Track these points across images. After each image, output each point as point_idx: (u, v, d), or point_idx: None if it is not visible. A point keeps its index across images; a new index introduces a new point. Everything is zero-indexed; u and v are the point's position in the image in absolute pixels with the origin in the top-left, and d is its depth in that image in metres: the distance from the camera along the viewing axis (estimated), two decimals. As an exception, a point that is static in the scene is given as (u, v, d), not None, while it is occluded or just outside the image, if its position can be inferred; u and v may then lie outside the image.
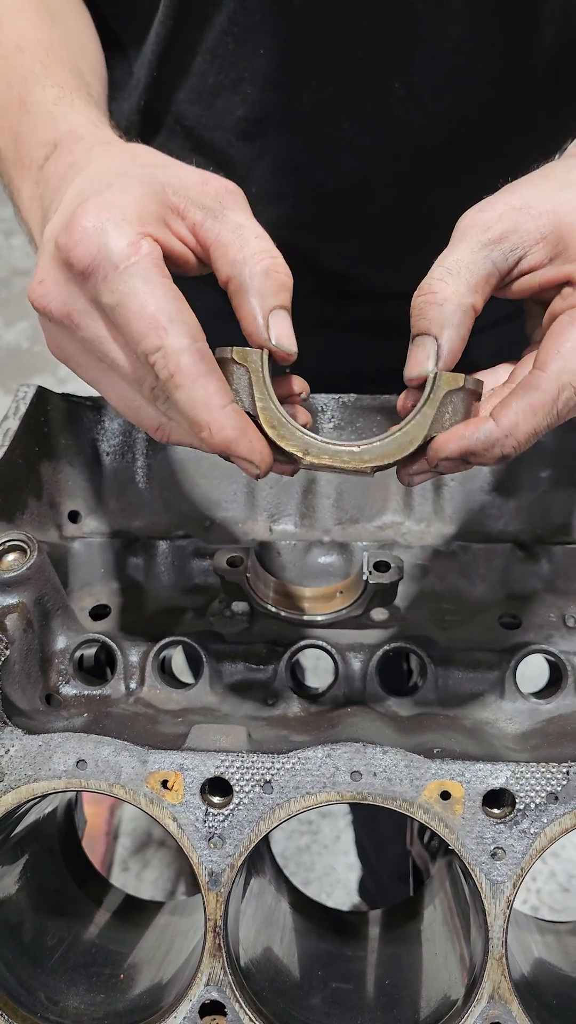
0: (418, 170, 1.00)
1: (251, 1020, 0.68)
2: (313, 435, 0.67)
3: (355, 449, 0.67)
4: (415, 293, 0.67)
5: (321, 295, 1.13)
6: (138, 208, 0.63)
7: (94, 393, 1.01)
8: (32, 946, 0.79)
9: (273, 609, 0.85)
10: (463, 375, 0.67)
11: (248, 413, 0.65)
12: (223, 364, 0.65)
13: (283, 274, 0.65)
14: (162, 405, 0.65)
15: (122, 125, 1.06)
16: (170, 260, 0.65)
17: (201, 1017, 0.69)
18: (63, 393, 0.96)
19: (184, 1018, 0.69)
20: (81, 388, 0.99)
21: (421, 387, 0.67)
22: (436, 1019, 0.71)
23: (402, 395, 0.70)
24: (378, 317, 1.15)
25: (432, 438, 0.66)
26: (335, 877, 2.33)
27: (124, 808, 2.43)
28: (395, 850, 1.81)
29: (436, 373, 0.66)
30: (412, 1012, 0.74)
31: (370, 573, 0.82)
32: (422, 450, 0.68)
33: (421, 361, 0.66)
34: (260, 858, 0.86)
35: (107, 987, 0.79)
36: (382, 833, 1.91)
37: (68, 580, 0.94)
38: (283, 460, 0.68)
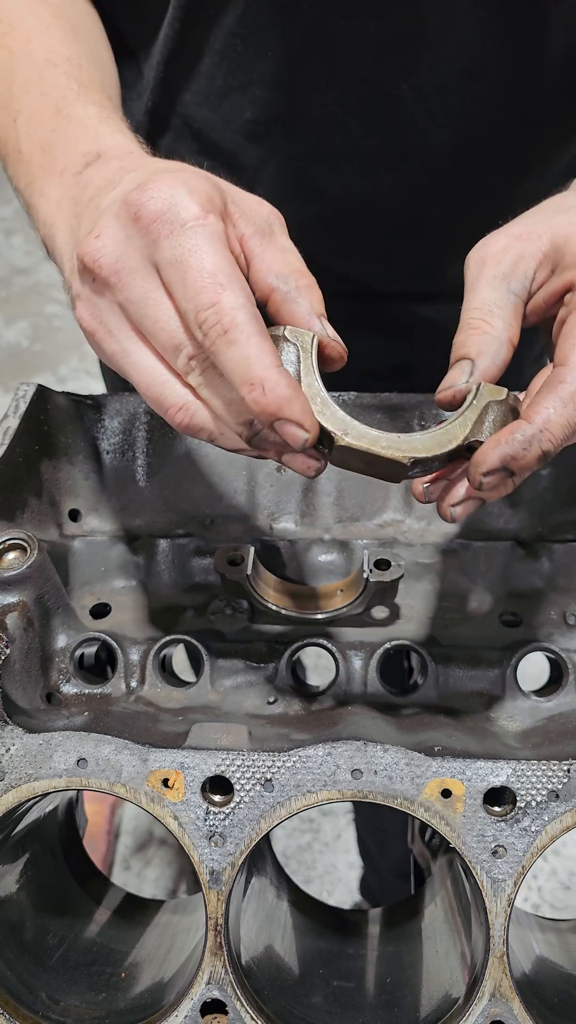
0: (426, 172, 1.01)
1: (252, 1019, 0.68)
2: (354, 419, 0.66)
3: (394, 438, 0.66)
4: (458, 331, 0.69)
5: (328, 294, 1.13)
6: (208, 193, 0.64)
7: (94, 392, 1.01)
8: (33, 945, 0.79)
9: (274, 607, 0.85)
10: (506, 389, 0.67)
11: None
12: (274, 341, 0.64)
13: (320, 292, 0.67)
14: (197, 377, 0.64)
15: (131, 126, 1.07)
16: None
17: (202, 1016, 0.69)
18: (63, 391, 0.96)
19: (185, 1017, 0.69)
20: (81, 387, 0.99)
21: (451, 407, 0.68)
22: (437, 1017, 0.71)
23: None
24: (386, 316, 1.15)
25: (472, 442, 0.66)
26: (336, 875, 2.33)
27: (125, 807, 2.44)
28: (398, 847, 1.81)
29: (480, 383, 0.67)
30: (413, 1010, 0.74)
31: (371, 571, 0.82)
32: (458, 454, 0.67)
33: (455, 378, 0.68)
34: (261, 857, 0.85)
35: (108, 986, 0.79)
36: (385, 830, 1.91)
37: (68, 578, 0.93)
38: (314, 448, 0.67)
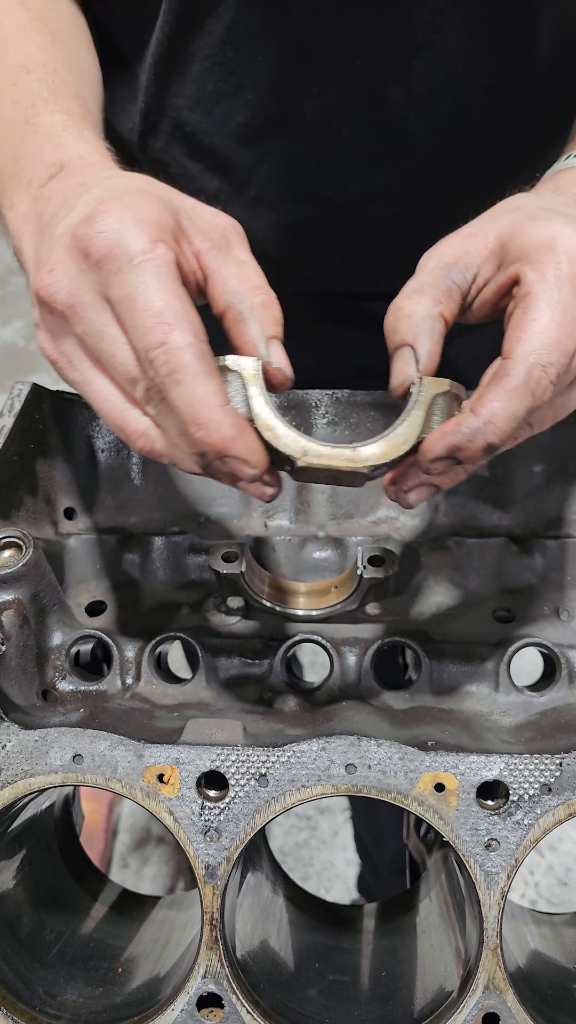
0: (417, 175, 1.01)
1: (248, 1012, 0.69)
2: (308, 438, 0.68)
3: (349, 451, 0.68)
4: (385, 316, 0.70)
5: (321, 293, 1.14)
6: (157, 217, 0.65)
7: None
8: (30, 941, 0.80)
9: (268, 604, 0.86)
10: (448, 380, 0.69)
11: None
12: (220, 371, 0.66)
13: (278, 311, 0.67)
14: (153, 408, 0.65)
15: (126, 131, 1.07)
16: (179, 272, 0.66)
17: (199, 1009, 0.69)
18: (58, 391, 0.96)
19: (182, 1010, 0.70)
20: (76, 386, 0.99)
21: (407, 397, 0.69)
22: (432, 1010, 0.72)
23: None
24: (379, 315, 1.16)
25: (423, 438, 0.68)
26: (334, 872, 2.34)
27: (123, 804, 2.44)
28: (395, 843, 1.81)
29: (420, 378, 0.68)
30: (408, 1004, 0.75)
31: (364, 568, 0.82)
32: (414, 452, 0.69)
33: (403, 369, 0.68)
34: (257, 852, 0.86)
35: (105, 980, 0.79)
36: (382, 826, 1.91)
37: (64, 576, 0.94)
38: (275, 466, 0.69)
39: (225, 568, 0.83)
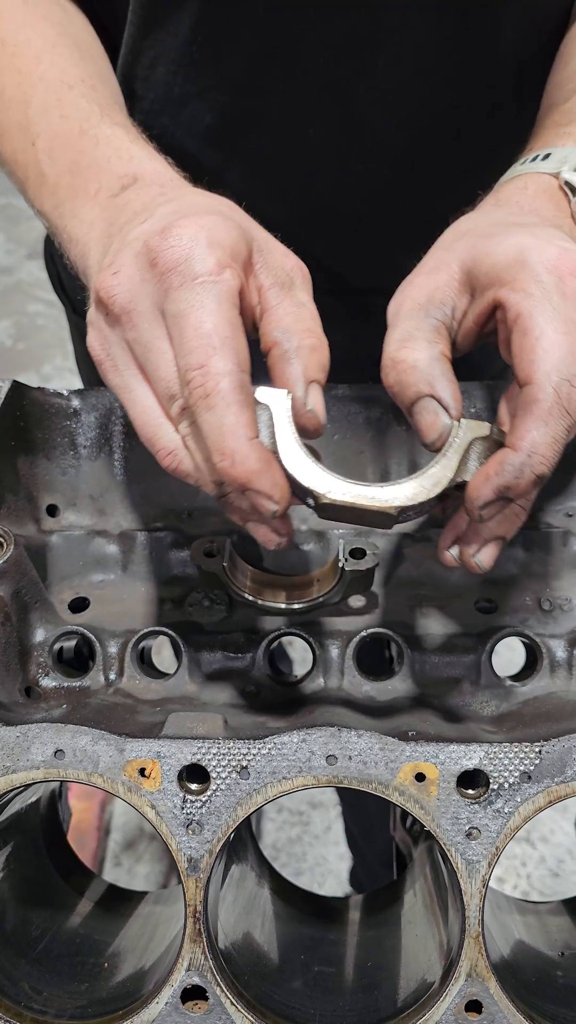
0: (386, 170, 1.01)
1: (232, 1004, 0.69)
2: (335, 475, 0.67)
3: (376, 490, 0.67)
4: (383, 376, 0.69)
5: None
6: (232, 243, 0.65)
7: (70, 387, 1.01)
8: (15, 937, 0.80)
9: (250, 598, 0.86)
10: (489, 424, 0.67)
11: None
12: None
13: (326, 356, 0.67)
14: (185, 428, 0.65)
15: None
16: (241, 303, 0.66)
17: (183, 1002, 0.70)
18: (39, 387, 0.96)
19: (166, 1003, 0.70)
20: (65, 385, 0.99)
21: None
22: (416, 999, 0.72)
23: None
24: (356, 310, 1.16)
25: (460, 483, 0.67)
26: (326, 867, 2.34)
27: (114, 803, 2.44)
28: (384, 836, 1.82)
29: (461, 421, 0.67)
30: (392, 993, 0.75)
31: (346, 560, 0.82)
32: (445, 496, 0.68)
33: (434, 422, 0.67)
34: (242, 844, 0.86)
35: (91, 976, 0.79)
36: (370, 820, 1.92)
37: (47, 573, 0.94)
38: (297, 500, 0.69)
39: (206, 563, 0.83)
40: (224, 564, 0.84)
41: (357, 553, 0.83)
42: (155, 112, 1.00)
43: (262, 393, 0.66)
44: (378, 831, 1.87)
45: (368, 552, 0.83)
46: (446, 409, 0.67)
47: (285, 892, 0.91)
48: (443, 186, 1.04)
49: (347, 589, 0.84)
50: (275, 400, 0.66)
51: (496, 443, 0.67)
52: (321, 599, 0.85)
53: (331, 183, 1.02)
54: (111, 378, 0.69)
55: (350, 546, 0.83)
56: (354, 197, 1.03)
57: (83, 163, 0.75)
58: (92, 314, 0.69)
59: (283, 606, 0.86)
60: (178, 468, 0.67)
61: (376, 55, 0.91)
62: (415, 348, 0.67)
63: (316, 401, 0.67)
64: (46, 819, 0.93)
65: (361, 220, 1.05)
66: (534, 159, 0.79)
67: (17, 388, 0.93)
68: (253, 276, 0.67)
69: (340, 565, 0.82)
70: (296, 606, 0.86)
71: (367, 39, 0.90)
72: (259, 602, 0.86)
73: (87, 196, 0.74)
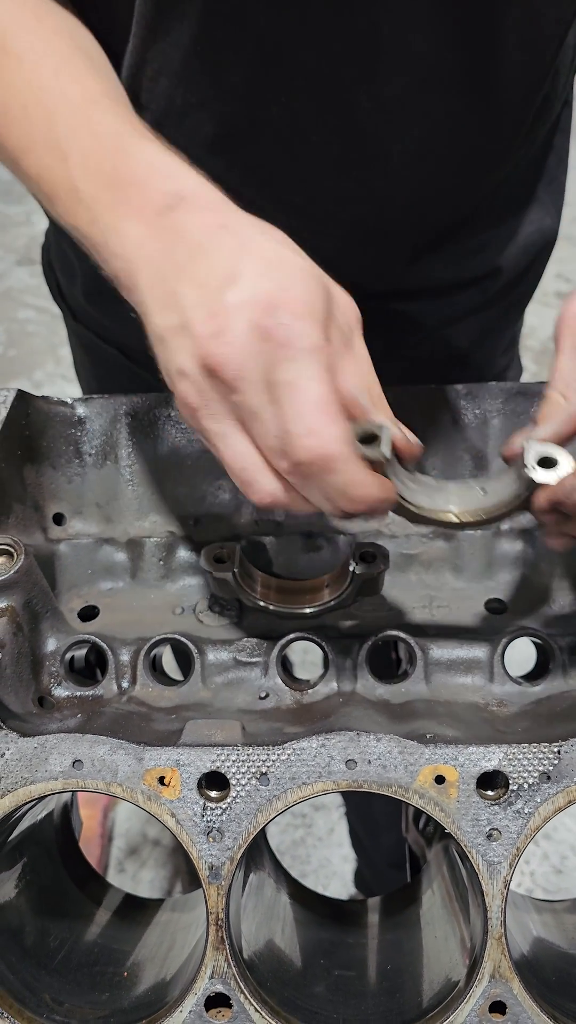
0: (387, 178, 1.01)
1: (256, 1010, 0.69)
2: (442, 508, 0.78)
3: (473, 507, 0.78)
4: (550, 389, 0.77)
5: None
6: (323, 309, 0.71)
7: (63, 393, 1.01)
8: (35, 948, 0.79)
9: (262, 603, 0.86)
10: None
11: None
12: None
13: (386, 400, 0.75)
14: (295, 479, 0.72)
15: None
16: None
17: (207, 1010, 0.70)
18: (43, 396, 0.96)
19: (190, 1011, 0.70)
20: (57, 391, 0.99)
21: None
22: (439, 1001, 0.72)
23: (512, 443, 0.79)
24: (365, 313, 1.17)
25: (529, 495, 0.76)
26: (331, 869, 2.34)
27: (117, 810, 2.44)
28: (390, 837, 1.82)
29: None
30: (415, 995, 0.75)
31: (356, 564, 0.83)
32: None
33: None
34: (259, 851, 0.86)
35: (111, 985, 0.79)
36: (376, 821, 1.92)
37: (55, 582, 0.94)
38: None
39: (217, 569, 0.83)
40: (235, 570, 0.84)
41: (367, 557, 0.83)
42: (158, 122, 1.00)
43: (367, 445, 0.72)
44: (384, 831, 1.87)
45: (378, 555, 0.83)
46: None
47: (302, 897, 0.91)
48: (444, 193, 1.05)
49: (358, 592, 0.85)
50: (380, 445, 0.72)
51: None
52: (332, 603, 0.85)
53: (333, 190, 1.02)
54: (205, 423, 0.73)
55: (360, 550, 0.83)
56: (356, 204, 1.03)
57: (121, 179, 0.76)
58: (189, 368, 0.71)
59: (295, 610, 0.86)
60: (273, 505, 0.74)
61: (377, 63, 0.91)
62: (570, 398, 0.75)
63: (411, 434, 0.75)
64: (60, 829, 0.93)
65: (363, 227, 1.05)
66: None
67: (22, 397, 0.93)
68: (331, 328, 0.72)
69: (350, 568, 0.83)
70: (308, 610, 0.86)
71: (368, 47, 0.90)
72: (271, 607, 0.86)
73: (129, 211, 0.75)
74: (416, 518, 0.78)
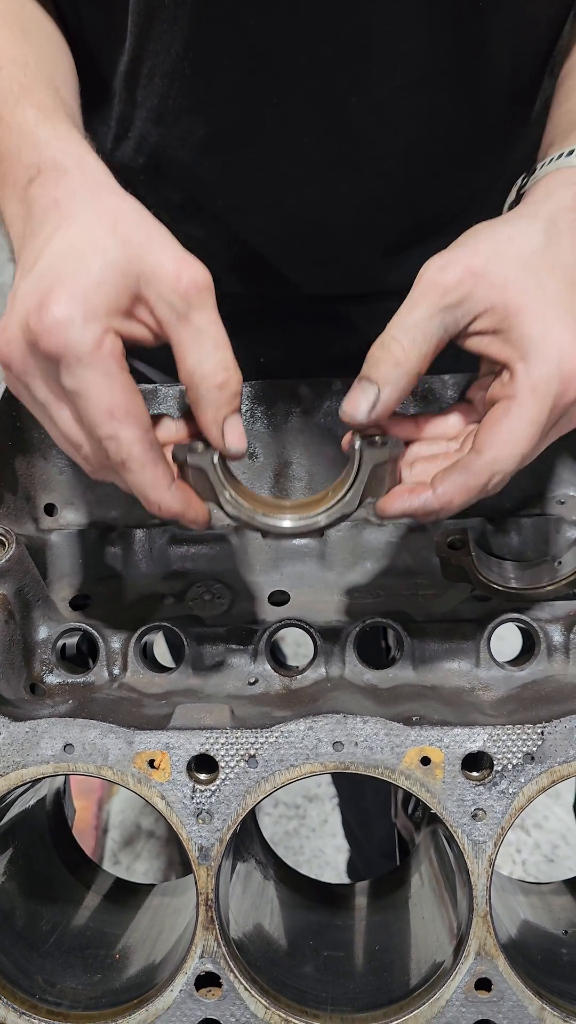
0: (379, 179, 1.02)
1: (246, 989, 0.70)
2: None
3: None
4: (375, 343, 0.71)
5: (289, 296, 1.15)
6: (109, 303, 0.67)
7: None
8: (27, 931, 0.80)
9: (264, 518, 0.73)
10: (386, 448, 0.73)
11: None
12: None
13: (235, 382, 0.70)
14: (97, 471, 0.72)
15: (100, 135, 1.07)
16: (132, 343, 0.70)
17: (197, 989, 0.71)
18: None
19: (180, 990, 0.71)
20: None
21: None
22: (426, 979, 0.73)
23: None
24: (346, 315, 1.17)
25: (370, 501, 0.74)
26: (324, 859, 2.36)
27: (112, 801, 2.45)
28: (382, 828, 1.83)
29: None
30: (403, 975, 0.76)
31: (363, 445, 0.71)
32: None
33: (359, 404, 0.71)
34: (248, 835, 0.87)
35: (103, 967, 0.80)
36: (369, 811, 1.93)
37: (47, 572, 0.94)
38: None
39: (193, 457, 0.72)
40: (214, 461, 0.72)
41: (374, 441, 0.73)
42: (152, 121, 1.00)
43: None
44: (376, 822, 1.88)
45: (390, 441, 0.73)
46: (374, 407, 0.71)
47: (292, 881, 0.92)
48: (434, 192, 1.05)
49: (365, 487, 0.73)
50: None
51: (394, 460, 0.74)
52: (336, 507, 0.73)
53: (324, 192, 1.02)
54: (27, 406, 0.74)
55: (363, 436, 0.73)
56: (347, 206, 1.04)
57: (2, 152, 0.75)
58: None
59: (290, 524, 0.74)
60: (103, 481, 0.74)
61: (368, 67, 0.92)
62: (409, 353, 0.70)
63: (232, 438, 0.71)
64: (52, 815, 0.94)
65: (355, 228, 1.06)
66: (567, 154, 0.79)
67: (12, 389, 0.93)
68: (148, 311, 0.69)
69: (356, 448, 0.72)
70: (304, 522, 0.74)
71: (359, 51, 0.91)
72: (258, 517, 0.74)
73: (7, 189, 0.75)
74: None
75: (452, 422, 0.79)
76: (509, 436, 0.69)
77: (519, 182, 0.84)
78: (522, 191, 0.83)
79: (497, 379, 0.72)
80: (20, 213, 0.74)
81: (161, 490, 0.70)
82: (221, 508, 0.74)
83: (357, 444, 0.72)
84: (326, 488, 0.78)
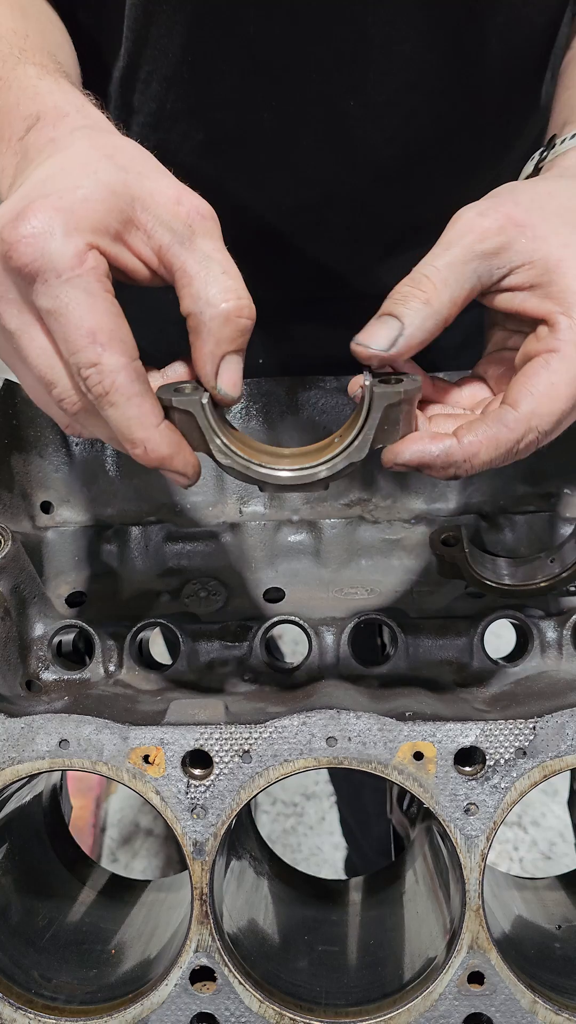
0: (376, 182, 1.03)
1: (240, 983, 0.70)
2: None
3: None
4: (405, 279, 0.66)
5: (287, 298, 1.16)
6: (96, 219, 0.61)
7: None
8: (22, 927, 0.81)
9: (265, 469, 0.67)
10: (400, 387, 0.65)
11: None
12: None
13: (245, 317, 0.63)
14: (67, 418, 0.65)
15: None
16: (121, 273, 0.64)
17: (192, 983, 0.71)
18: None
19: (175, 985, 0.71)
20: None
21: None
22: (420, 973, 0.74)
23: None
24: (351, 312, 1.18)
25: (380, 448, 0.65)
26: (321, 857, 2.36)
27: (110, 800, 2.45)
28: (380, 827, 1.84)
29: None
30: (397, 969, 0.76)
31: (374, 382, 0.64)
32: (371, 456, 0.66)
33: (378, 335, 0.65)
34: (243, 829, 0.88)
35: (99, 962, 0.81)
36: (366, 810, 1.93)
37: (43, 569, 0.95)
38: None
39: (180, 399, 0.64)
40: (203, 401, 0.65)
41: (388, 379, 0.66)
42: (151, 125, 1.01)
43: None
44: (374, 820, 1.89)
45: (406, 378, 0.67)
46: (394, 343, 0.65)
47: (287, 876, 0.93)
48: (431, 194, 1.06)
49: (377, 430, 0.65)
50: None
51: (409, 400, 0.65)
52: (344, 454, 0.65)
53: (322, 194, 1.03)
54: (1, 353, 0.67)
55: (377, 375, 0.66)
56: (345, 208, 1.04)
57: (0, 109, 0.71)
58: None
59: (299, 472, 0.66)
60: (81, 435, 0.67)
61: (367, 71, 0.92)
62: (439, 295, 0.65)
63: (228, 379, 0.64)
64: (48, 811, 0.94)
65: (352, 230, 1.07)
66: None
67: (9, 387, 0.94)
68: (145, 237, 0.63)
69: (366, 383, 0.64)
70: (304, 472, 0.66)
71: (358, 55, 0.91)
72: (260, 467, 0.67)
73: (2, 143, 0.70)
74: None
75: (467, 393, 0.73)
76: (550, 390, 0.63)
77: (536, 156, 0.82)
78: (540, 165, 0.81)
79: (531, 336, 0.67)
80: (13, 163, 0.68)
81: (149, 428, 0.62)
82: (212, 457, 0.65)
83: (367, 381, 0.64)
84: (330, 436, 0.70)
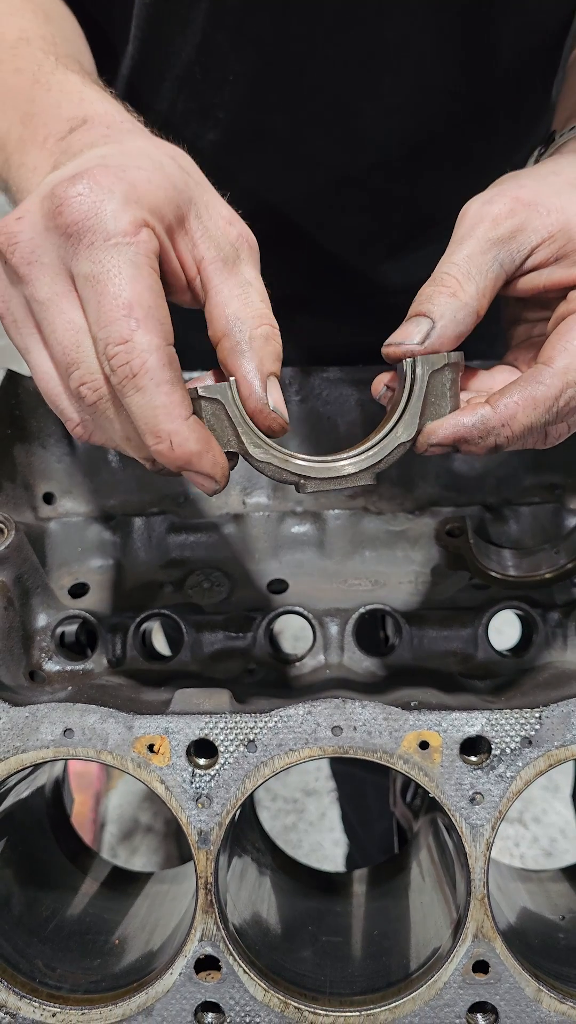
0: (386, 182, 1.03)
1: (245, 972, 0.70)
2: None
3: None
4: (427, 282, 0.65)
5: (301, 291, 1.16)
6: (156, 202, 0.58)
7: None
8: (26, 917, 0.81)
9: (280, 451, 0.63)
10: (443, 356, 0.63)
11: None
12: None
13: (279, 344, 0.62)
14: (84, 412, 0.60)
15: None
16: (164, 267, 0.61)
17: (196, 972, 0.71)
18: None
19: (180, 974, 0.71)
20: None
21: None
22: (425, 962, 0.73)
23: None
24: (360, 308, 1.18)
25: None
26: (322, 853, 2.36)
27: (109, 795, 2.45)
28: (381, 823, 1.83)
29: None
30: (402, 958, 0.76)
31: (414, 359, 0.62)
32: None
33: (411, 333, 0.63)
34: (247, 823, 0.87)
35: (102, 953, 0.81)
36: (368, 807, 1.93)
37: (46, 560, 0.95)
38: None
39: (208, 389, 0.62)
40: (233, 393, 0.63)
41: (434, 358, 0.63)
42: (159, 126, 1.00)
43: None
44: (376, 816, 1.88)
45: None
46: (427, 338, 0.63)
47: (290, 869, 0.93)
48: (441, 193, 1.06)
49: (424, 409, 0.63)
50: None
51: (454, 367, 0.63)
52: (390, 437, 0.63)
53: (333, 195, 1.03)
54: (12, 335, 0.62)
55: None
56: (355, 208, 1.04)
57: (34, 111, 0.69)
58: None
59: (356, 460, 0.64)
60: (91, 439, 0.63)
61: (380, 73, 0.92)
62: (465, 288, 0.63)
63: (277, 398, 0.61)
64: (51, 803, 0.94)
65: (361, 229, 1.07)
66: None
67: (12, 377, 0.94)
68: (190, 244, 0.61)
69: (407, 363, 0.62)
70: (360, 460, 0.64)
71: (371, 57, 0.91)
72: (295, 461, 0.64)
73: (36, 144, 0.68)
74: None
75: (499, 379, 0.69)
76: None
77: (536, 152, 0.82)
78: (541, 159, 0.81)
79: (562, 303, 0.65)
80: (49, 161, 0.66)
81: (176, 419, 0.56)
82: (245, 455, 0.61)
83: (407, 361, 0.61)
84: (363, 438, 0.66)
